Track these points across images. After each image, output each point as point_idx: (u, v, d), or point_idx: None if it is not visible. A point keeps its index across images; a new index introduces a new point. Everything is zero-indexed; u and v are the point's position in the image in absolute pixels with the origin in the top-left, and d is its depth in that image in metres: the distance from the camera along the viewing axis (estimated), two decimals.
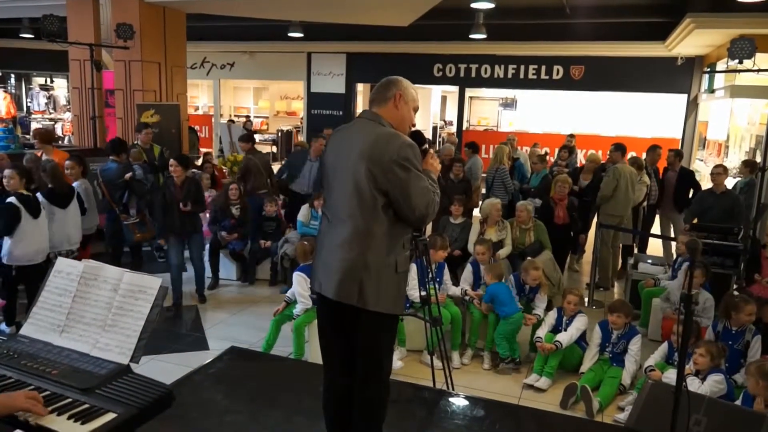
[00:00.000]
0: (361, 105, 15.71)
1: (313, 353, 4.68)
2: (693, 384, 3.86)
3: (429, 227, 6.77)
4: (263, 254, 6.69)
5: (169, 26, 8.64)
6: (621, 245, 7.50)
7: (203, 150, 12.66)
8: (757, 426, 2.61)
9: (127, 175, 6.31)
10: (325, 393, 2.55)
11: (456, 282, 5.41)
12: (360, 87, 15.10)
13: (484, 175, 8.65)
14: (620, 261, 7.33)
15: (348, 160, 2.36)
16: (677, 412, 2.31)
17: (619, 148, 7.32)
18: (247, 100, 19.78)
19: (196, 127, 13.51)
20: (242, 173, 7.40)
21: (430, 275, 3.98)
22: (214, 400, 3.21)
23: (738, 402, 3.72)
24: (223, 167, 8.92)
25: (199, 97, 19.69)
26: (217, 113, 16.64)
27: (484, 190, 8.35)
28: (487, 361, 4.84)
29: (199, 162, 9.65)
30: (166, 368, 4.26)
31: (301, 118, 16.16)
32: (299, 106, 17.62)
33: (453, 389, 3.90)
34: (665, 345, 4.47)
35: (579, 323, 4.73)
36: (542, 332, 4.74)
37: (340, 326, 2.45)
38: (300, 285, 4.71)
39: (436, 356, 4.20)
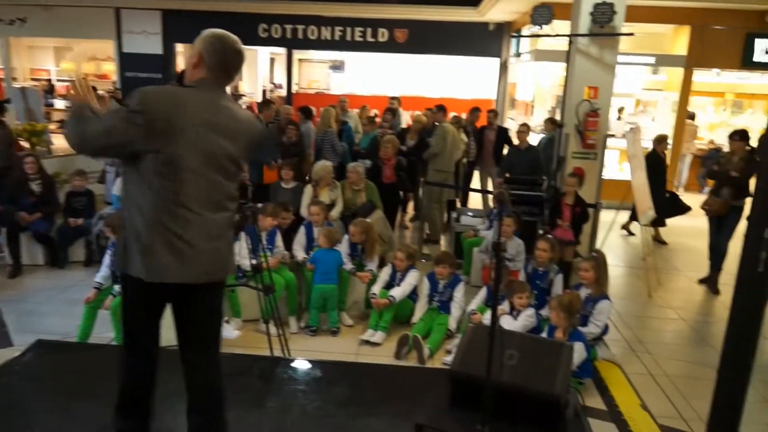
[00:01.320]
0: (182, 66, 14.69)
1: None
2: (506, 322, 4.28)
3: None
4: (75, 234, 6.04)
5: None
6: (447, 200, 7.98)
7: None
8: (559, 352, 2.94)
9: None
10: (137, 377, 2.38)
11: (289, 247, 5.35)
12: (180, 47, 14.07)
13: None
14: (446, 215, 7.80)
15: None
16: (492, 349, 2.50)
17: (441, 108, 7.73)
18: (47, 61, 17.46)
19: None
20: None
21: (261, 243, 3.89)
22: (20, 403, 2.85)
23: (544, 334, 4.20)
24: (20, 138, 7.82)
25: None
26: (8, 76, 14.50)
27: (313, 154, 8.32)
28: (293, 324, 4.83)
29: None
30: None
31: (114, 82, 14.69)
32: (111, 68, 15.98)
33: (290, 355, 3.90)
34: (484, 290, 4.88)
35: (411, 278, 4.95)
36: (377, 288, 4.89)
37: (161, 308, 2.30)
38: None
39: (271, 324, 4.15)
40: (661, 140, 7.61)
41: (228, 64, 2.28)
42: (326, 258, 4.93)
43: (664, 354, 4.74)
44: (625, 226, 8.22)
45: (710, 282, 6.36)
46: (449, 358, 4.29)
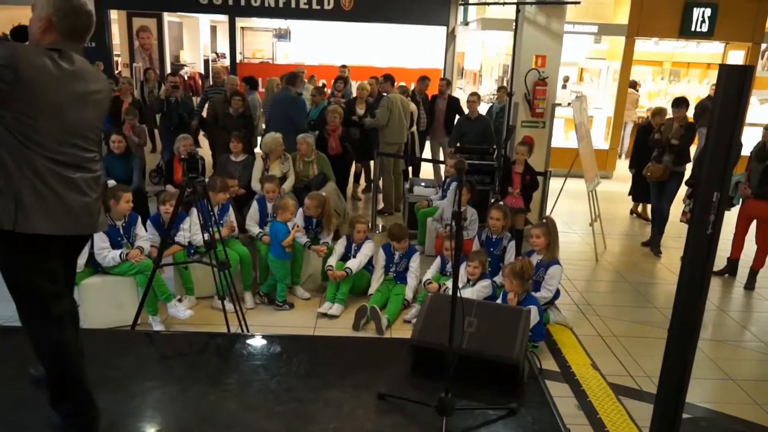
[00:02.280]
0: (118, 35, 13.99)
1: (87, 318, 4.22)
2: (465, 292, 4.34)
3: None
4: None
5: None
6: (404, 171, 7.97)
7: None
8: (516, 318, 3.01)
9: None
10: (61, 324, 2.28)
11: (242, 221, 5.24)
12: (114, 14, 13.38)
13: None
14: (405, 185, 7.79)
15: None
16: (454, 317, 2.53)
17: (387, 78, 7.64)
18: None
19: None
20: None
21: (213, 218, 3.79)
22: None
23: (498, 300, 4.29)
24: None
25: None
26: None
27: (263, 125, 8.13)
28: (249, 299, 4.81)
29: None
30: None
31: None
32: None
33: (248, 331, 3.85)
34: (438, 259, 4.94)
35: (367, 249, 4.94)
36: (333, 261, 4.87)
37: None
38: None
39: (227, 300, 4.08)
40: (656, 113, 6.92)
41: (80, 27, 2.22)
42: (282, 229, 4.86)
43: (611, 315, 4.93)
44: (634, 210, 8.04)
45: (653, 245, 6.64)
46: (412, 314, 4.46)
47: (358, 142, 7.35)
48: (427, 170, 8.75)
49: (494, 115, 8.55)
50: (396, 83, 7.81)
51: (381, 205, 7.43)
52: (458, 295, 2.52)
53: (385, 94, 7.48)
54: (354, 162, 7.30)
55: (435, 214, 5.92)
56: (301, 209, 5.19)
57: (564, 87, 11.39)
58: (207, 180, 4.60)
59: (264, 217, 5.17)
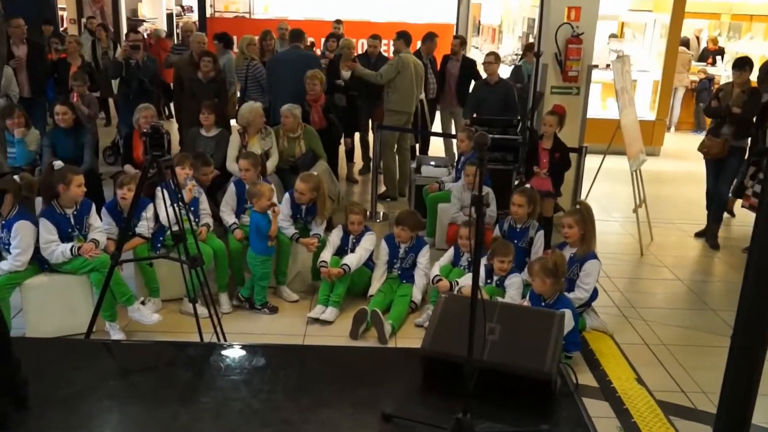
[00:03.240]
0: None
1: (32, 325, 4.22)
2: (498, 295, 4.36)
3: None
4: None
5: None
6: (410, 147, 7.95)
7: None
8: (547, 323, 3.00)
9: None
10: None
11: (217, 207, 5.24)
12: None
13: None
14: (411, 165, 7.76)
15: None
16: (474, 323, 2.52)
17: (402, 36, 7.56)
18: None
19: None
20: None
21: (183, 205, 3.78)
22: None
23: (526, 302, 4.29)
24: None
25: None
26: None
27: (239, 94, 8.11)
28: (225, 302, 4.83)
29: None
30: None
31: None
32: None
33: (225, 340, 3.86)
34: (451, 250, 4.97)
35: (367, 242, 4.95)
36: (327, 255, 4.87)
37: None
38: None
39: (200, 303, 4.08)
40: None
41: None
42: (263, 220, 4.84)
43: (660, 320, 4.94)
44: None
45: (708, 235, 6.63)
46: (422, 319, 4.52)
47: (344, 111, 7.33)
48: (436, 146, 8.74)
49: (525, 77, 8.47)
50: (413, 43, 7.70)
51: (382, 189, 7.41)
52: (478, 295, 2.51)
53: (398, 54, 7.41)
54: (343, 136, 7.28)
55: (452, 200, 5.87)
56: (287, 195, 5.18)
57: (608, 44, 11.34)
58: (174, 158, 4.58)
59: (242, 204, 5.16)
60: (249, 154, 5.39)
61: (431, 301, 4.68)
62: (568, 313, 3.86)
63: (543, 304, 4.12)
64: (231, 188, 5.23)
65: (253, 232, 4.82)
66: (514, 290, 4.46)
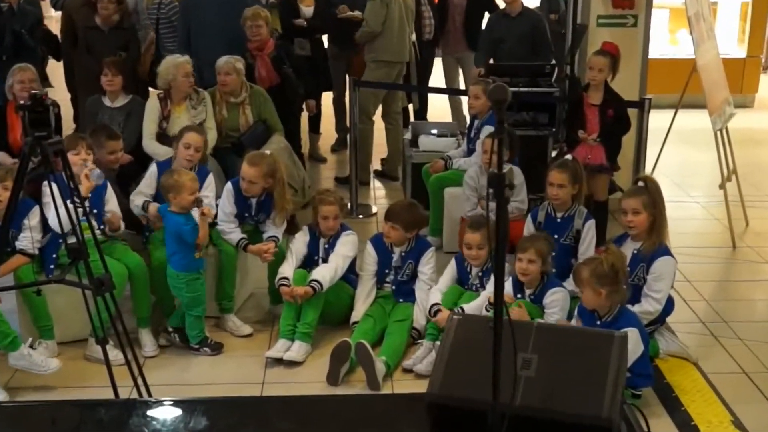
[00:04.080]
0: None
1: None
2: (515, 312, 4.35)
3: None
4: None
5: None
6: (402, 109, 7.95)
7: None
8: (604, 349, 3.01)
9: None
10: None
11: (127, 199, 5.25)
12: None
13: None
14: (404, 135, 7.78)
15: None
16: (499, 355, 2.52)
17: None
18: None
19: None
20: None
21: (82, 204, 3.76)
22: None
23: (573, 321, 4.30)
24: None
25: None
26: None
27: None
28: (148, 342, 4.81)
29: None
30: None
31: None
32: None
33: (150, 394, 3.84)
34: (453, 263, 4.95)
35: (346, 247, 4.93)
36: (288, 269, 4.87)
37: None
38: None
39: (112, 344, 4.06)
40: None
41: None
42: (179, 222, 4.79)
43: (762, 338, 4.96)
44: None
45: None
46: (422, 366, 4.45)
47: (307, 63, 7.33)
48: (438, 107, 8.76)
49: (561, 4, 8.46)
50: None
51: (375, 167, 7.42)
52: (504, 315, 2.51)
53: None
54: (305, 98, 7.27)
55: (466, 180, 5.87)
56: (229, 185, 5.15)
57: None
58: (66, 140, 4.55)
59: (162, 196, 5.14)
60: (192, 128, 5.40)
61: (429, 334, 4.66)
62: (633, 334, 3.87)
63: (599, 322, 4.12)
64: (152, 171, 5.25)
65: (170, 240, 4.78)
66: (556, 310, 4.46)
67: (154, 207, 5.01)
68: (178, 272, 4.75)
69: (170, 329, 4.87)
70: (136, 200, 5.15)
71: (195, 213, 4.75)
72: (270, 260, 5.03)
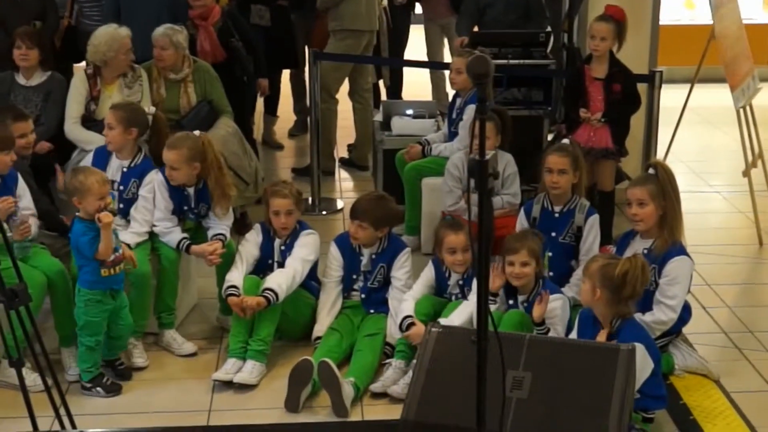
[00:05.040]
0: None
1: None
2: (508, 322, 4.35)
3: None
4: None
5: None
6: (373, 87, 7.93)
7: None
8: (608, 366, 3.02)
9: None
10: None
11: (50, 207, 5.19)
12: None
13: None
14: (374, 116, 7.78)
15: None
16: (483, 373, 2.52)
17: None
18: None
19: None
20: None
21: None
22: None
23: (573, 333, 4.30)
24: None
25: None
26: None
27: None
28: (73, 364, 4.70)
29: None
30: None
31: None
32: None
33: (74, 426, 3.81)
34: (429, 266, 4.95)
35: (305, 249, 4.92)
36: (237, 276, 4.86)
37: None
38: None
39: (29, 368, 4.02)
40: None
41: None
42: (80, 230, 4.71)
43: None
44: None
45: None
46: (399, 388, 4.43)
47: (263, 35, 7.35)
48: (416, 83, 8.75)
49: None
50: None
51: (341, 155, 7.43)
52: (489, 326, 2.51)
53: None
54: (259, 76, 7.24)
55: (448, 167, 5.87)
56: (159, 176, 5.09)
57: None
58: None
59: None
60: (124, 106, 5.32)
61: (397, 354, 4.64)
62: (640, 351, 3.87)
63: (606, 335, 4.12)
64: (88, 159, 5.23)
65: (74, 252, 4.72)
66: (555, 320, 4.44)
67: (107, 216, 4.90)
68: (80, 288, 4.68)
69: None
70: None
71: None
72: (217, 263, 5.00)
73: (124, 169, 5.09)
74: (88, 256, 4.54)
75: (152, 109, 5.31)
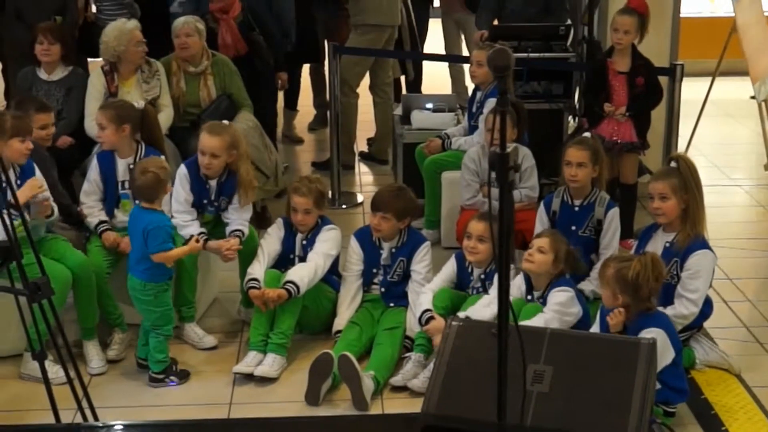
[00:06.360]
0: None
1: None
2: (525, 317, 4.33)
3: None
4: None
5: None
6: (393, 81, 7.93)
7: None
8: (629, 359, 3.00)
9: None
10: None
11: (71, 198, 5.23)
12: None
13: None
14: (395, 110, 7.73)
15: None
16: (505, 367, 2.51)
17: None
18: None
19: None
20: None
21: (13, 195, 3.74)
22: None
23: (595, 327, 4.28)
24: None
25: None
26: None
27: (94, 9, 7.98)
28: (95, 356, 4.75)
29: None
30: None
31: None
32: None
33: (96, 418, 3.83)
34: (452, 261, 4.94)
35: (327, 244, 4.92)
36: (258, 269, 4.86)
37: None
38: None
39: (51, 360, 4.04)
40: None
41: None
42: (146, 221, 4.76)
43: None
44: None
45: None
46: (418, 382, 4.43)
47: (280, 29, 7.32)
48: (436, 76, 8.73)
49: None
50: None
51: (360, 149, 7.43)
52: (511, 321, 2.50)
53: None
54: (283, 70, 7.23)
55: (465, 161, 5.86)
56: (182, 169, 5.11)
57: None
58: None
59: (111, 188, 5.14)
60: (111, 104, 5.35)
61: (416, 348, 4.65)
62: (661, 337, 3.85)
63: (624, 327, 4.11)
64: (93, 165, 5.20)
65: (137, 244, 4.69)
66: (550, 314, 4.38)
67: (111, 235, 4.95)
68: (144, 283, 4.70)
69: (139, 359, 4.79)
70: (91, 216, 5.08)
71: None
72: (232, 259, 5.02)
73: (131, 166, 5.05)
74: (155, 247, 4.58)
75: (141, 104, 5.30)
